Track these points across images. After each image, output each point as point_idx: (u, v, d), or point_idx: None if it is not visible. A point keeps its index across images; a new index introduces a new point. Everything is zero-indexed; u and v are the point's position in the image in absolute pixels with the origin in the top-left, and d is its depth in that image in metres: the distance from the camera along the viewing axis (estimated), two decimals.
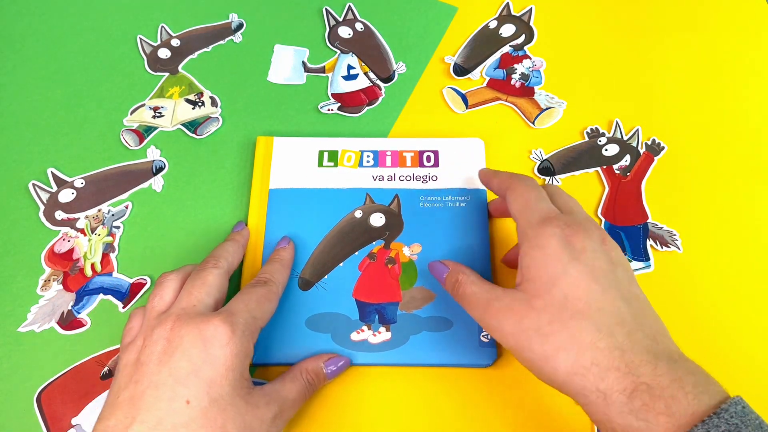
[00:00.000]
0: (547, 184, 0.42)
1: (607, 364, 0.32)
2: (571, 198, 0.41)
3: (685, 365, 0.33)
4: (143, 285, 0.45)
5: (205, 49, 0.56)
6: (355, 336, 0.39)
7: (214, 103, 0.53)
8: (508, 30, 0.56)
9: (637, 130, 0.52)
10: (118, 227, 0.47)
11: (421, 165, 0.47)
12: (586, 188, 0.51)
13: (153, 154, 0.50)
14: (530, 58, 0.55)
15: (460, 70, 0.55)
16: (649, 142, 0.52)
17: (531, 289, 0.35)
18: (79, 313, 0.45)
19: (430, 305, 0.42)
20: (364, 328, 0.40)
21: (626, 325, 0.33)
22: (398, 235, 0.41)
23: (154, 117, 0.52)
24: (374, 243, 0.41)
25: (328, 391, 0.44)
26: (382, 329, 0.40)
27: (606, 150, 0.52)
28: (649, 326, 0.34)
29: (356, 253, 0.41)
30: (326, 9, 0.57)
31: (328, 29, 0.56)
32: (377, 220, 0.42)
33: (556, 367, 0.33)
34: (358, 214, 0.42)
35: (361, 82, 0.54)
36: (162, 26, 0.56)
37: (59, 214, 0.47)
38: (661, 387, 0.32)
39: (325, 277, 0.41)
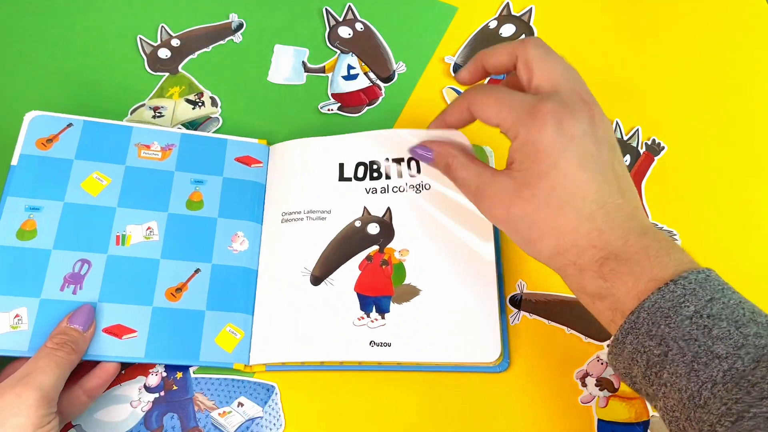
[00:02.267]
0: (525, 41, 0.40)
1: (586, 244, 0.35)
2: (552, 62, 0.40)
3: (654, 236, 0.35)
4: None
5: (205, 49, 0.55)
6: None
7: (214, 103, 0.53)
8: (508, 30, 0.56)
9: (637, 130, 0.52)
10: None
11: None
12: None
13: None
14: None
15: None
16: (649, 142, 0.52)
17: (520, 178, 0.36)
18: None
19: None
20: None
21: (606, 207, 0.35)
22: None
23: (154, 117, 0.52)
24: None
25: (336, 397, 0.44)
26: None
27: None
28: (627, 204, 0.36)
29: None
30: (326, 9, 0.57)
31: (328, 29, 0.56)
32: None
33: (540, 249, 0.37)
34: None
35: (361, 82, 0.54)
36: (162, 26, 0.56)
37: None
38: (628, 254, 0.34)
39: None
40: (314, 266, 0.46)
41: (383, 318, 0.44)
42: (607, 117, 0.39)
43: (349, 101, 0.54)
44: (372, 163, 0.48)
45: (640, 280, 0.34)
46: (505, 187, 0.37)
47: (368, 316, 0.45)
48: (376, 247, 0.47)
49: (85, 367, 0.41)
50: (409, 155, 0.43)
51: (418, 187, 0.48)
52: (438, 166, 0.42)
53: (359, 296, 0.45)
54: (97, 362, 0.42)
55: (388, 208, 0.48)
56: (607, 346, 0.36)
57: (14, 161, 0.45)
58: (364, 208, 0.48)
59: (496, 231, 0.48)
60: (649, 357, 0.33)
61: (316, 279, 0.46)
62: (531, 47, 0.39)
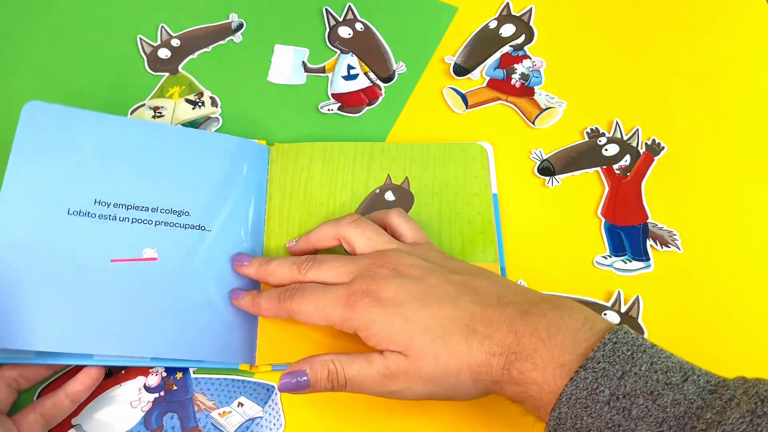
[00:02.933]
0: (341, 224, 0.43)
1: (487, 358, 0.36)
2: (330, 262, 0.41)
3: (537, 309, 0.36)
4: None
5: (205, 49, 0.55)
6: None
7: (214, 103, 0.53)
8: (508, 30, 0.56)
9: (637, 130, 0.52)
10: None
11: None
12: (586, 188, 0.51)
13: None
14: (530, 58, 0.55)
15: (460, 70, 0.55)
16: (649, 142, 0.52)
17: (399, 348, 0.37)
18: None
19: None
20: None
21: (477, 315, 0.36)
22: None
23: (154, 117, 0.52)
24: None
25: (336, 396, 0.44)
26: None
27: (606, 150, 0.52)
28: (490, 297, 0.37)
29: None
30: (326, 9, 0.57)
31: (328, 29, 0.56)
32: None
33: (467, 388, 0.37)
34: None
35: (361, 82, 0.54)
36: (162, 26, 0.56)
37: None
38: (523, 347, 0.35)
39: None
40: None
41: None
42: (416, 245, 0.42)
43: (349, 101, 0.54)
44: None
45: (546, 371, 0.34)
46: (399, 361, 0.37)
47: None
48: None
49: (71, 373, 0.42)
50: (282, 389, 0.39)
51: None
52: (319, 382, 0.39)
53: None
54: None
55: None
56: None
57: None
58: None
59: (498, 232, 0.48)
60: None
61: None
62: (307, 273, 0.41)
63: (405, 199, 0.48)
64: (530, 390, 0.34)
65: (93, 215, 0.44)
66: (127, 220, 0.44)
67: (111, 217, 0.44)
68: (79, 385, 0.41)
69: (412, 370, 0.37)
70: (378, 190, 0.48)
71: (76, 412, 0.42)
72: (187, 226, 0.45)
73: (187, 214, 0.46)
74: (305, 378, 0.39)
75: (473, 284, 0.38)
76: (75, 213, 0.43)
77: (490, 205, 0.48)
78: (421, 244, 0.43)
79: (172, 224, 0.45)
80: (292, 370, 0.39)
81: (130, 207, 0.45)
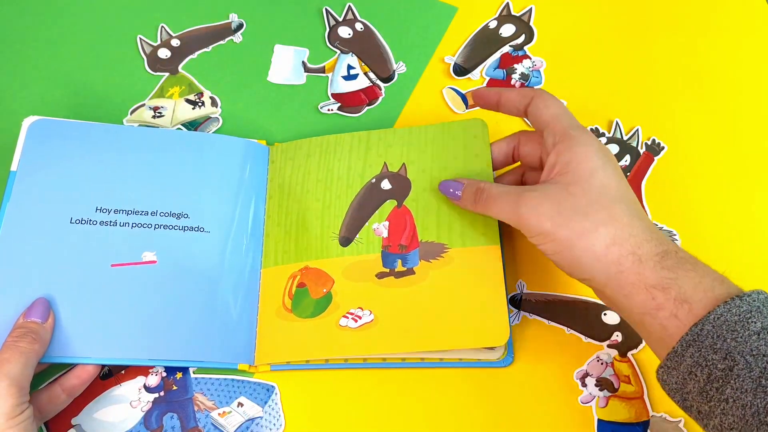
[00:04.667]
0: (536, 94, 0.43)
1: (643, 236, 0.36)
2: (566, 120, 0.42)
3: (688, 255, 0.36)
4: None
5: (205, 49, 0.55)
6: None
7: (214, 103, 0.53)
8: (508, 30, 0.56)
9: (637, 130, 0.52)
10: None
11: None
12: None
13: None
14: (530, 58, 0.55)
15: (460, 70, 0.55)
16: (649, 142, 0.52)
17: (569, 179, 0.38)
18: None
19: None
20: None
21: (646, 220, 0.37)
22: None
23: (154, 117, 0.52)
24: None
25: (336, 396, 0.44)
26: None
27: None
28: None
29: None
30: (326, 9, 0.57)
31: (328, 29, 0.56)
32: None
33: (593, 241, 0.36)
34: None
35: (361, 82, 0.54)
36: (162, 26, 0.56)
37: None
38: (686, 256, 0.35)
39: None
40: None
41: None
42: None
43: (349, 101, 0.54)
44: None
45: (705, 277, 0.34)
46: (552, 188, 0.38)
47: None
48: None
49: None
50: (441, 188, 0.44)
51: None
52: (467, 197, 0.42)
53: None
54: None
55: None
56: (659, 367, 0.35)
57: (14, 167, 0.45)
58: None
59: (499, 233, 0.47)
60: (711, 371, 0.32)
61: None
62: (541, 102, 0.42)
63: (402, 186, 0.47)
64: (681, 281, 0.34)
65: (94, 222, 0.45)
66: (127, 225, 0.45)
67: (112, 223, 0.45)
68: (75, 379, 0.41)
69: (555, 198, 0.38)
70: (374, 180, 0.48)
71: (76, 412, 0.42)
72: (186, 228, 0.46)
73: (186, 216, 0.46)
74: (460, 190, 0.43)
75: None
76: (77, 221, 0.44)
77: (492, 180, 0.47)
78: None
79: (171, 227, 0.45)
80: (455, 179, 0.44)
81: (130, 212, 0.45)
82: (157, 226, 0.45)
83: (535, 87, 0.47)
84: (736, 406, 0.31)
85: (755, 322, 0.32)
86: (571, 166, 0.38)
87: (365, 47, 0.56)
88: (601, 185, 0.37)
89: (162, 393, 0.43)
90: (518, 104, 0.43)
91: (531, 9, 0.57)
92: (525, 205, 0.38)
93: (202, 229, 0.46)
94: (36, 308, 0.41)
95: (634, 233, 0.36)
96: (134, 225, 0.45)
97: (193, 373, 0.44)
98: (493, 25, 0.57)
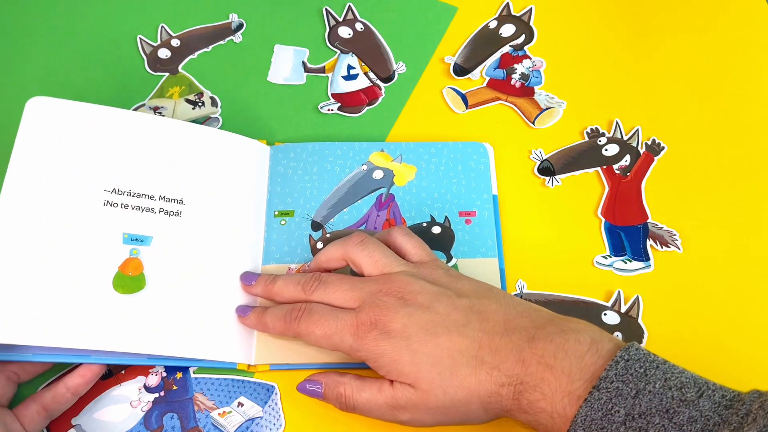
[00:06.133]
0: (311, 280, 0.42)
1: (495, 388, 0.36)
2: (336, 284, 0.41)
3: (543, 333, 0.36)
4: None
5: (205, 49, 0.55)
6: None
7: (214, 103, 0.53)
8: (508, 30, 0.56)
9: (637, 130, 0.52)
10: None
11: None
12: (586, 188, 0.51)
13: None
14: (530, 58, 0.55)
15: (460, 70, 0.55)
16: (649, 142, 0.52)
17: (408, 380, 0.37)
18: None
19: None
20: None
21: (484, 344, 0.37)
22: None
23: None
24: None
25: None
26: None
27: (606, 150, 0.52)
28: (497, 323, 0.37)
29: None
30: (326, 9, 0.57)
31: (328, 29, 0.56)
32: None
33: (478, 417, 0.37)
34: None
35: (361, 82, 0.54)
36: (162, 26, 0.56)
37: None
38: (532, 376, 0.35)
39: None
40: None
41: None
42: (420, 265, 0.42)
43: (349, 101, 0.54)
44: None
45: (555, 400, 0.34)
46: (408, 393, 0.37)
47: None
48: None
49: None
50: (300, 390, 0.42)
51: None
52: (329, 398, 0.41)
53: None
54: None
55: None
56: None
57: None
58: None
59: (498, 232, 0.48)
60: None
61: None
62: (313, 294, 0.41)
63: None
64: (541, 419, 0.35)
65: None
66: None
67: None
68: (79, 378, 0.41)
69: (420, 402, 0.37)
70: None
71: (76, 412, 0.42)
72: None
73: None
74: (320, 390, 0.41)
75: (481, 308, 0.38)
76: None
77: (490, 205, 0.48)
78: (426, 263, 0.42)
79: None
80: (311, 379, 0.41)
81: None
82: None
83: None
84: None
85: (618, 411, 0.32)
86: (395, 374, 0.38)
87: (365, 47, 0.56)
88: (431, 367, 0.37)
89: (162, 393, 0.43)
90: (282, 333, 0.42)
91: (531, 9, 0.57)
92: (402, 415, 0.38)
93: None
94: None
95: (488, 390, 0.36)
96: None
97: (193, 373, 0.44)
98: (493, 25, 0.57)
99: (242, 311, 0.44)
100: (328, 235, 0.47)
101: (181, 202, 0.45)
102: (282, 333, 0.42)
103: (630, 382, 0.32)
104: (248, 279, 0.45)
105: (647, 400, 0.32)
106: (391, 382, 0.38)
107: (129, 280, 0.43)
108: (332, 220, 0.47)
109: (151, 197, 0.45)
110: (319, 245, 0.47)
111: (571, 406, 0.33)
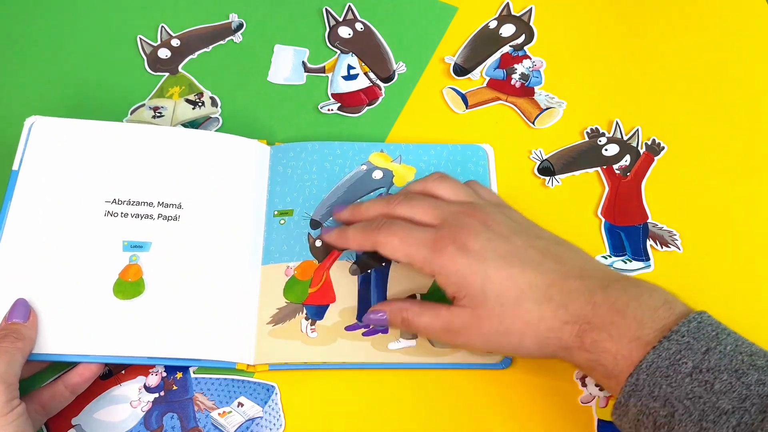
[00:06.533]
0: (393, 200, 0.43)
1: (559, 325, 0.37)
2: (421, 202, 0.42)
3: (618, 285, 0.36)
4: None
5: (205, 49, 0.55)
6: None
7: (214, 103, 0.53)
8: (508, 30, 0.56)
9: (637, 130, 0.52)
10: None
11: None
12: (586, 188, 0.51)
13: None
14: (530, 58, 0.55)
15: (460, 70, 0.55)
16: (649, 142, 0.52)
17: (470, 304, 0.38)
18: None
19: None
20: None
21: (556, 283, 0.37)
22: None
23: (154, 117, 0.52)
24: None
25: (336, 396, 0.44)
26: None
27: (606, 150, 0.52)
28: (573, 267, 0.38)
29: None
30: (326, 9, 0.57)
31: (328, 29, 0.56)
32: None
33: (528, 349, 0.38)
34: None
35: (361, 82, 0.54)
36: (162, 26, 0.56)
37: None
38: (601, 319, 0.35)
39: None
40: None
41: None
42: (500, 206, 0.43)
43: (349, 101, 0.54)
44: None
45: (621, 343, 0.34)
46: (464, 316, 0.39)
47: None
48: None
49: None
50: (365, 322, 0.43)
51: None
52: (395, 324, 0.42)
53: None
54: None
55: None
56: (612, 414, 0.36)
57: (15, 166, 0.45)
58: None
59: None
60: (655, 418, 0.33)
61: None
62: (396, 208, 0.42)
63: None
64: (602, 359, 0.35)
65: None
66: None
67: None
68: (78, 377, 0.41)
69: (474, 327, 0.38)
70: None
71: (76, 412, 0.42)
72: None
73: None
74: (384, 317, 0.42)
75: (557, 252, 0.39)
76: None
77: None
78: (505, 205, 0.44)
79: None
80: (374, 309, 0.42)
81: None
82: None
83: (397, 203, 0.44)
84: None
85: (686, 363, 0.32)
86: (462, 293, 0.39)
87: (365, 47, 0.56)
88: (497, 296, 0.38)
89: (162, 393, 0.43)
90: (362, 248, 0.43)
91: (531, 9, 0.57)
92: (456, 339, 0.40)
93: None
94: (16, 309, 0.41)
95: (549, 326, 0.37)
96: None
97: (193, 373, 0.44)
98: (493, 25, 0.57)
99: (325, 231, 0.45)
100: None
101: (179, 206, 0.46)
102: (360, 244, 0.42)
103: (701, 340, 0.33)
104: (338, 208, 0.46)
105: (717, 358, 0.32)
106: (448, 307, 0.39)
107: (128, 285, 0.43)
108: (331, 218, 0.47)
109: (150, 204, 0.46)
110: (318, 243, 0.47)
111: (638, 351, 0.34)
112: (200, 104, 0.53)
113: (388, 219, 0.42)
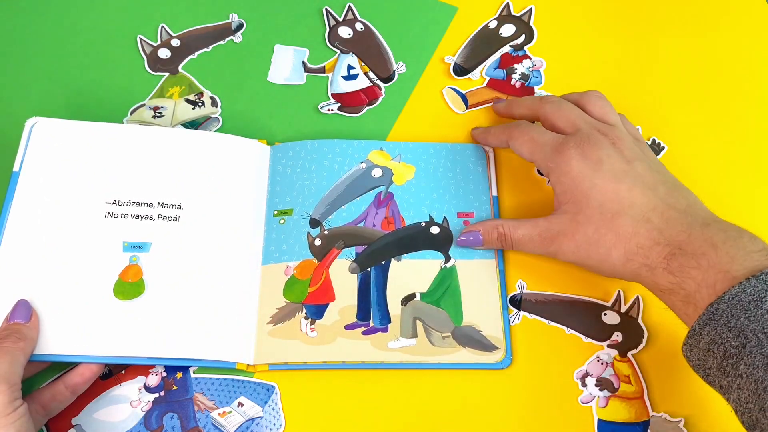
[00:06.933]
0: (547, 99, 0.47)
1: (649, 243, 0.38)
2: (569, 109, 0.45)
3: (718, 226, 0.37)
4: None
5: (205, 49, 0.55)
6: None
7: (214, 103, 0.53)
8: (508, 30, 0.56)
9: (637, 130, 0.52)
10: None
11: None
12: None
13: None
14: (530, 58, 0.55)
15: (460, 70, 0.55)
16: (649, 142, 0.52)
17: (572, 209, 0.41)
18: None
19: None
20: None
21: (658, 209, 0.39)
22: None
23: (154, 117, 0.52)
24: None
25: (336, 396, 0.44)
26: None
27: None
28: (679, 202, 0.40)
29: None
30: (326, 9, 0.57)
31: (328, 29, 0.56)
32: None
33: (613, 262, 0.40)
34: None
35: (361, 82, 0.54)
36: (162, 26, 0.56)
37: None
38: (693, 247, 0.37)
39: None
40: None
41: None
42: (639, 141, 0.44)
43: (349, 101, 0.54)
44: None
45: (709, 273, 0.35)
46: (563, 221, 0.41)
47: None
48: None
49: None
50: (459, 245, 0.46)
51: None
52: (489, 241, 0.45)
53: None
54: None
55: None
56: (683, 344, 0.37)
57: (15, 167, 0.45)
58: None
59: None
60: (726, 348, 0.33)
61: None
62: (545, 106, 0.46)
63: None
64: (686, 284, 0.36)
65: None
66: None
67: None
68: (78, 377, 0.41)
69: (570, 232, 0.41)
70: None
71: (76, 412, 0.42)
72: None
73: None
74: (479, 237, 0.45)
75: (671, 188, 0.41)
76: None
77: (488, 207, 0.49)
78: (638, 138, 0.45)
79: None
80: (468, 230, 0.46)
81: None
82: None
83: (520, 102, 0.50)
84: (750, 381, 0.32)
85: None
86: (568, 195, 0.41)
87: (365, 47, 0.56)
88: (599, 204, 0.40)
89: (162, 393, 0.43)
90: (501, 145, 0.48)
91: (531, 9, 0.57)
92: (549, 247, 0.42)
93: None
94: (17, 310, 0.41)
95: (640, 243, 0.39)
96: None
97: (193, 373, 0.44)
98: (493, 25, 0.57)
99: (474, 131, 0.51)
100: (326, 232, 0.47)
101: (179, 207, 0.46)
102: (498, 139, 0.48)
103: None
104: (498, 101, 0.52)
105: None
106: (546, 217, 0.42)
107: (128, 286, 0.43)
108: (330, 217, 0.47)
109: (150, 204, 0.46)
110: (317, 242, 0.47)
111: (723, 284, 0.34)
112: (200, 104, 0.53)
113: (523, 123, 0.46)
